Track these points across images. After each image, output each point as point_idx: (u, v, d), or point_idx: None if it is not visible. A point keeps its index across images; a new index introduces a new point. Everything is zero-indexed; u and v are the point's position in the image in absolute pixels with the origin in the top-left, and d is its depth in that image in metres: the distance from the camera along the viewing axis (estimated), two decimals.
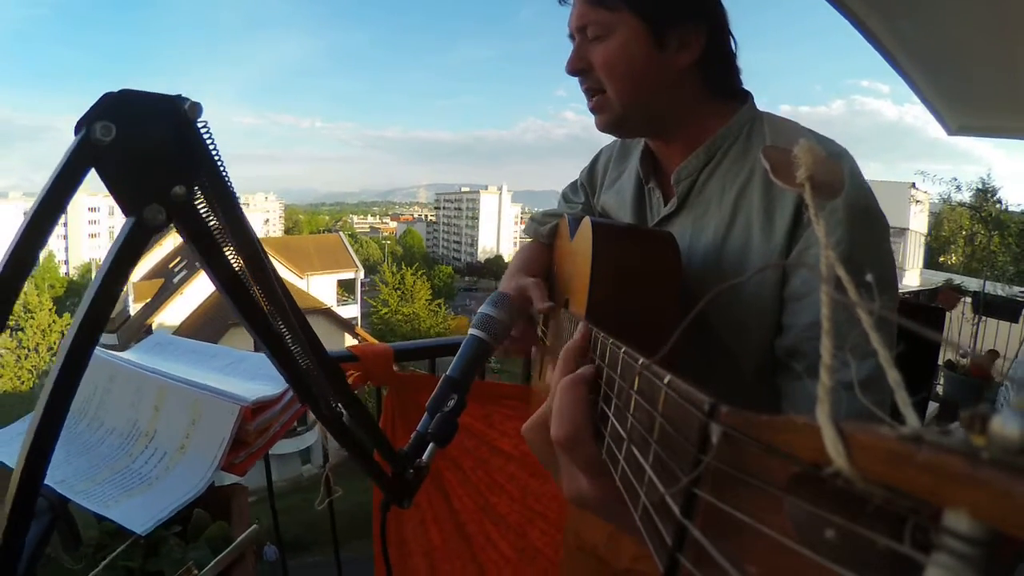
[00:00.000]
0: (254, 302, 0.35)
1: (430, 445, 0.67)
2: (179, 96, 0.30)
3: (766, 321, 0.72)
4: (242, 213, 0.33)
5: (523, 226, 1.06)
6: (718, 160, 0.79)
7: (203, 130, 0.31)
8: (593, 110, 0.82)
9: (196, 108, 0.30)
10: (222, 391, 0.95)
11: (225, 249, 0.33)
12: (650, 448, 0.29)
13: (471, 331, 0.76)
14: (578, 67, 0.79)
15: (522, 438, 0.53)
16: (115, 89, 0.31)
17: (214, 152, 0.31)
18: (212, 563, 0.76)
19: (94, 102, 0.29)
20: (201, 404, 0.94)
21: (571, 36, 0.81)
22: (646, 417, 0.31)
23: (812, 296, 0.69)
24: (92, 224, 55.37)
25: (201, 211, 0.31)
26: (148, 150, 0.29)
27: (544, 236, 1.05)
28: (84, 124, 0.27)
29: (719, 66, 0.80)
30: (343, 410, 0.50)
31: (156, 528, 0.77)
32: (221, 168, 0.32)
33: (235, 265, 0.34)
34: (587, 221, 0.73)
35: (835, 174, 0.27)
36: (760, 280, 0.72)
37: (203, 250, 0.32)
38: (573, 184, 1.12)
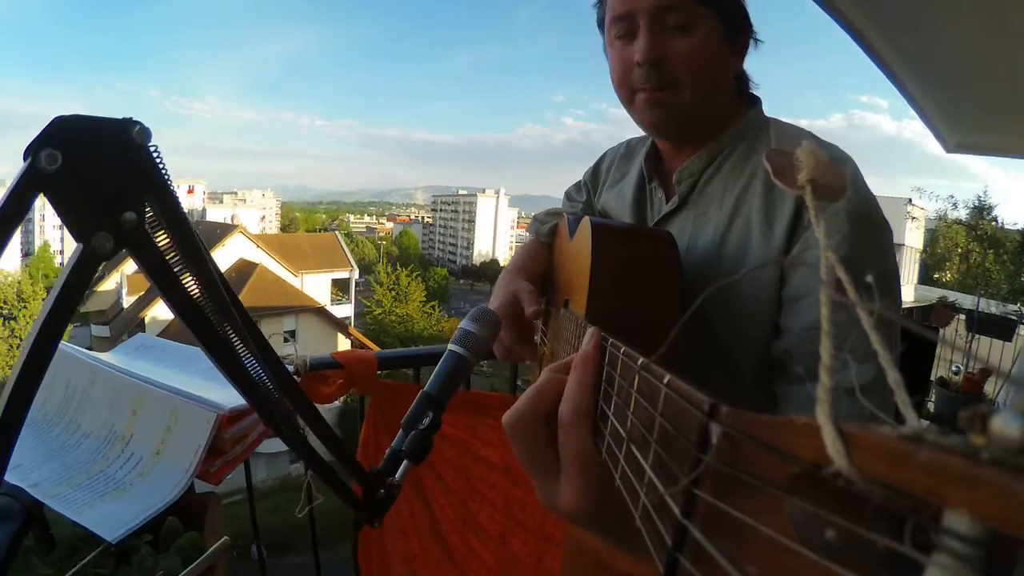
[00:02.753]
0: (212, 327, 0.35)
1: (404, 463, 0.67)
2: (129, 120, 0.30)
3: (763, 322, 0.71)
4: (196, 237, 0.33)
5: (520, 230, 1.06)
6: (721, 161, 0.79)
7: (154, 154, 0.31)
8: (655, 104, 0.75)
9: (145, 133, 0.30)
10: (200, 398, 0.94)
11: (180, 274, 0.32)
12: (650, 448, 0.29)
13: (450, 347, 0.75)
14: (657, 55, 0.72)
15: (506, 447, 0.51)
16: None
17: (166, 176, 0.31)
18: (182, 574, 0.75)
19: (43, 127, 0.29)
20: (178, 410, 0.94)
21: (621, 17, 0.75)
22: (646, 416, 0.30)
23: (810, 298, 0.68)
24: None
25: (154, 236, 0.31)
26: (96, 177, 0.28)
27: (544, 235, 1.05)
28: (30, 152, 0.27)
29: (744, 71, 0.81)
30: (307, 429, 0.50)
31: (128, 536, 0.77)
32: (173, 193, 0.31)
33: (191, 289, 0.33)
34: (586, 220, 0.73)
35: (837, 178, 0.27)
36: (757, 281, 0.71)
37: (155, 275, 0.31)
38: (577, 183, 1.12)
